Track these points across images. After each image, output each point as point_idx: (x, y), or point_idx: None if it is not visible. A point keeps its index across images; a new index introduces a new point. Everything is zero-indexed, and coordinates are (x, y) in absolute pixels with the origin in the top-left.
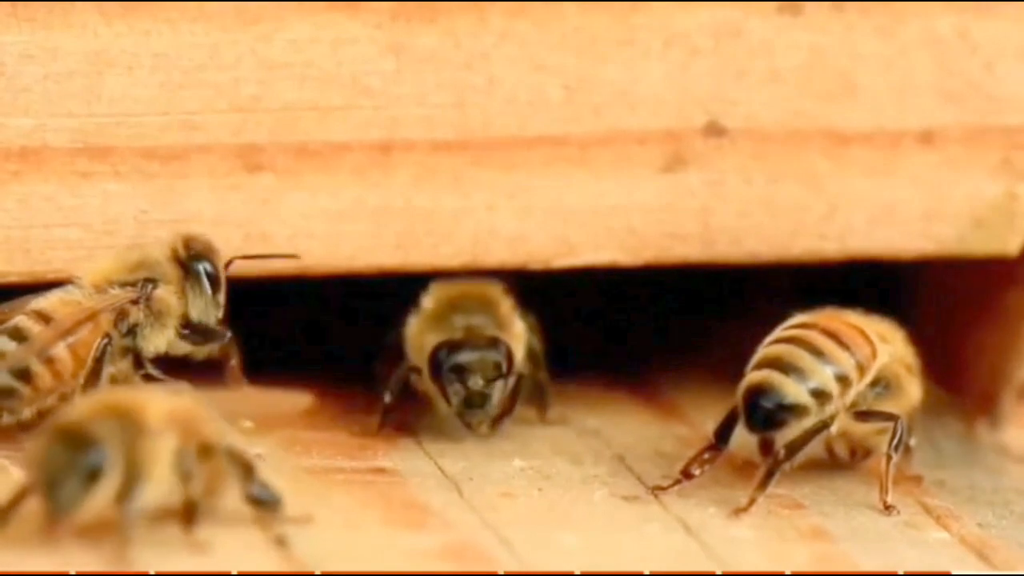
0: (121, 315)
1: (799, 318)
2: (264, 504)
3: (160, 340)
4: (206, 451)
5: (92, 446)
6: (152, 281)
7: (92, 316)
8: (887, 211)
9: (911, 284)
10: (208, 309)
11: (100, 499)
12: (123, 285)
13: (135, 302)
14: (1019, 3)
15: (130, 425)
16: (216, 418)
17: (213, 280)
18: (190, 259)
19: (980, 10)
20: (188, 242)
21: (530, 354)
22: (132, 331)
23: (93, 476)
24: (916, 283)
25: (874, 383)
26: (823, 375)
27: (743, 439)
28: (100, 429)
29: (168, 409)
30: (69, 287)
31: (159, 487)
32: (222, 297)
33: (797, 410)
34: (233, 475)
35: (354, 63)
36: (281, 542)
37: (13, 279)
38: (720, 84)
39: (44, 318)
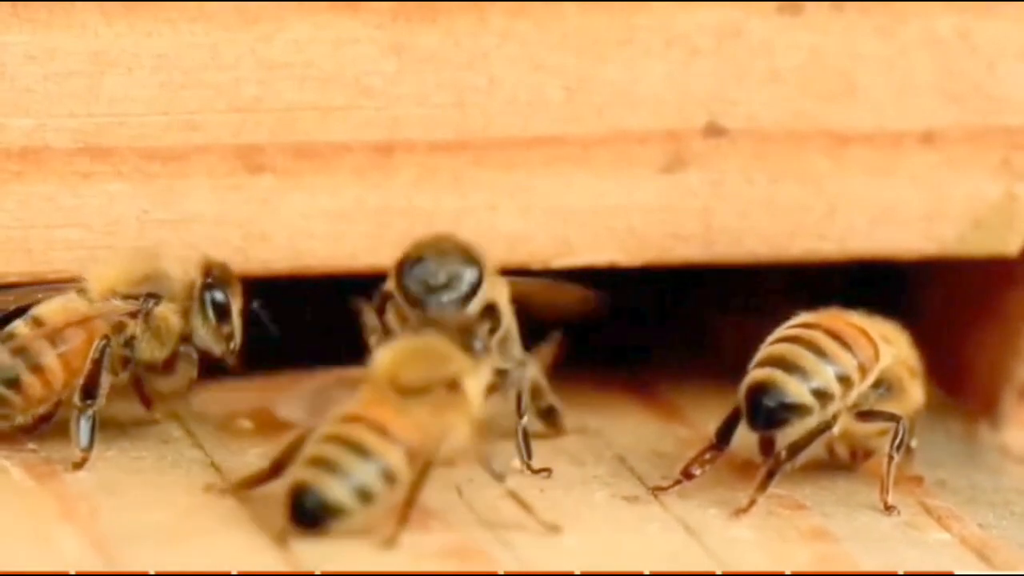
0: (119, 327)
1: (802, 317)
2: None
3: (157, 356)
4: None
5: None
6: (155, 297)
7: (84, 322)
8: (887, 211)
9: (911, 284)
10: (216, 340)
11: None
12: (126, 297)
13: (134, 315)
14: (1020, 3)
15: None
16: None
17: (222, 312)
18: (203, 287)
19: (981, 10)
20: (206, 269)
21: (533, 385)
22: (129, 344)
23: None
24: (916, 283)
25: (876, 385)
26: (825, 375)
27: (744, 439)
28: None
29: None
30: (72, 294)
31: None
32: (229, 329)
33: (799, 409)
34: None
35: (355, 63)
36: (281, 542)
37: (13, 279)
38: (720, 84)
39: (41, 325)
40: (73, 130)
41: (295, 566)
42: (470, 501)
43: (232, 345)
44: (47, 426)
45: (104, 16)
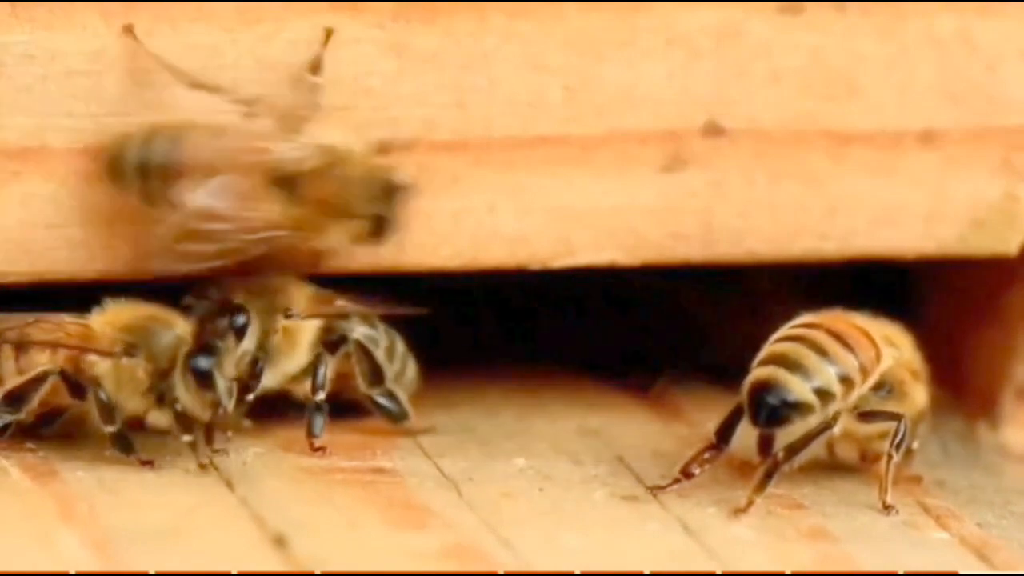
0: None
1: (805, 318)
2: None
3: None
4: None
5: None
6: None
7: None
8: (888, 211)
9: (912, 285)
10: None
11: None
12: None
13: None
14: (1020, 3)
15: None
16: None
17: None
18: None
19: (981, 10)
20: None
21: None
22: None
23: None
24: (916, 284)
25: (878, 387)
26: (827, 375)
27: (743, 439)
28: None
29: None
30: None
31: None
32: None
33: (801, 408)
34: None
35: (355, 63)
36: (281, 542)
37: (13, 279)
38: (721, 84)
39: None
40: (73, 130)
41: (295, 566)
42: (470, 501)
43: None
44: (49, 428)
45: (104, 16)
